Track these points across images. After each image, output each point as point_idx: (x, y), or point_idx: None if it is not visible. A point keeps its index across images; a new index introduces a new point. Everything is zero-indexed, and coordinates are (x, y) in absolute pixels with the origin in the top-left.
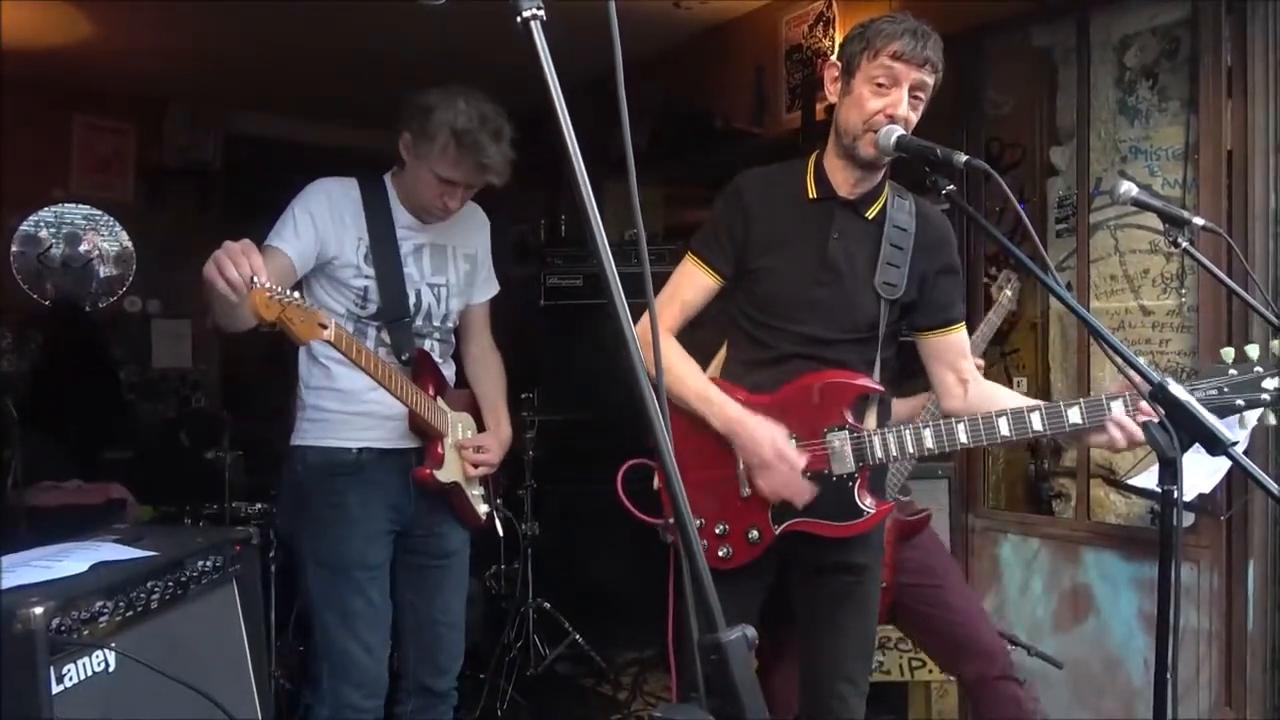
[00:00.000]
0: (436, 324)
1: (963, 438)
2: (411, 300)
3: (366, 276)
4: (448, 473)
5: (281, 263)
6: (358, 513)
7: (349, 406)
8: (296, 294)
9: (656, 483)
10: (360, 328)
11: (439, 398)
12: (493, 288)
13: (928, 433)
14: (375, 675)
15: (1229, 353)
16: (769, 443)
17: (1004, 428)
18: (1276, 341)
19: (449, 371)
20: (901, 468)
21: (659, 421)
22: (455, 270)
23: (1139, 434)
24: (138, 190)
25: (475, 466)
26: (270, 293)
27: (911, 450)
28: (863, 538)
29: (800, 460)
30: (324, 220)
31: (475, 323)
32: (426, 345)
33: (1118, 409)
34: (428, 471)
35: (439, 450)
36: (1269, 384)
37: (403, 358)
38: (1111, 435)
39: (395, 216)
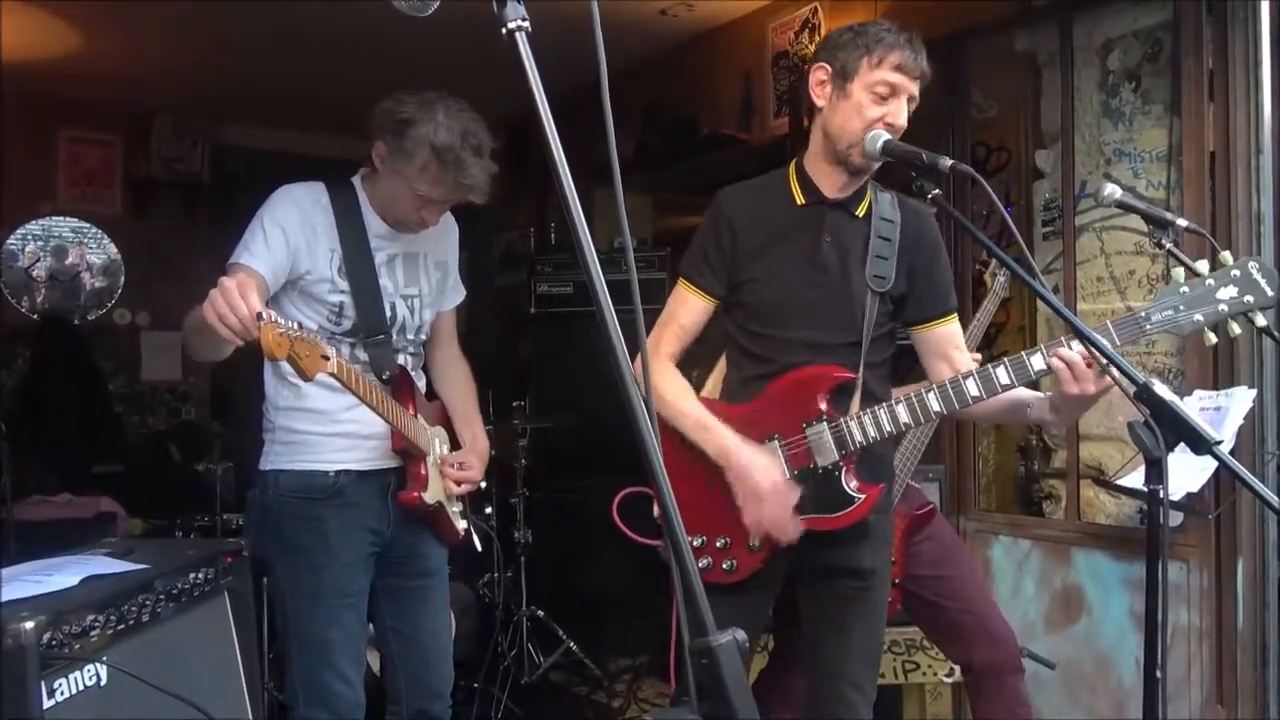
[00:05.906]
0: (411, 337)
1: (935, 405)
2: (388, 314)
3: (341, 291)
4: (432, 493)
5: (254, 282)
6: (337, 540)
7: (324, 427)
8: (298, 326)
9: (656, 512)
10: (334, 344)
11: (419, 415)
12: (460, 294)
13: (901, 408)
14: (352, 703)
15: (1180, 273)
16: (766, 476)
17: (973, 388)
18: (1225, 253)
19: (421, 384)
20: (910, 455)
21: (649, 435)
22: (427, 280)
23: (1080, 363)
24: (125, 203)
25: (458, 484)
26: (279, 329)
27: (889, 428)
28: (869, 539)
29: (794, 495)
30: (295, 232)
31: (444, 331)
32: (401, 360)
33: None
34: (415, 495)
35: (422, 471)
36: (1222, 294)
37: (383, 376)
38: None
39: (368, 224)
